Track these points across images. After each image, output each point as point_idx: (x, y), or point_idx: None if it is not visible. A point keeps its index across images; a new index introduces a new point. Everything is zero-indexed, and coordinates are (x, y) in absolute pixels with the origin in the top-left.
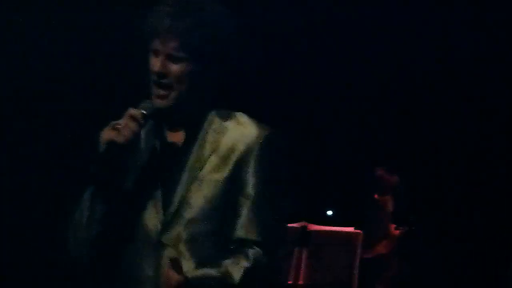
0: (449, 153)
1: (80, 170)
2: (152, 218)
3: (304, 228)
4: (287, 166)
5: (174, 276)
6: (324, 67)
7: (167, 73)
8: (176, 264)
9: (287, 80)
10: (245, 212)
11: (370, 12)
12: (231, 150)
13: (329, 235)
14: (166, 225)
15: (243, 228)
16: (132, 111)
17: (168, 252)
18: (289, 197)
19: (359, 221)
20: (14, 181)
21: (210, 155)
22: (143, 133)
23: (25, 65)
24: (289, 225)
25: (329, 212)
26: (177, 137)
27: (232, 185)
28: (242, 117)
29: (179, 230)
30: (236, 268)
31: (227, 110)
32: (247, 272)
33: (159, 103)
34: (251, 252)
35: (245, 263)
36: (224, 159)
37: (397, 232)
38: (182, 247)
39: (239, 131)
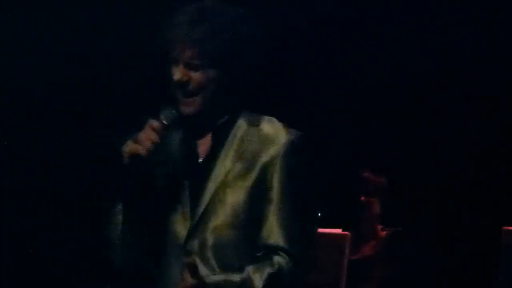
0: (436, 154)
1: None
2: (180, 225)
3: None
4: (313, 171)
5: (189, 280)
6: (308, 67)
7: (188, 81)
8: (192, 268)
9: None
10: (270, 218)
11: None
12: (256, 156)
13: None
14: (192, 232)
15: (268, 234)
16: (153, 122)
17: (189, 258)
18: (317, 202)
19: (347, 222)
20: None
21: (236, 162)
22: (171, 140)
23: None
24: None
25: None
26: (204, 143)
27: (258, 191)
28: (270, 122)
29: (204, 237)
30: (258, 274)
31: (256, 114)
32: (270, 278)
33: (185, 110)
34: (276, 258)
35: (269, 269)
36: (249, 165)
37: (384, 233)
38: (208, 254)
39: (265, 137)
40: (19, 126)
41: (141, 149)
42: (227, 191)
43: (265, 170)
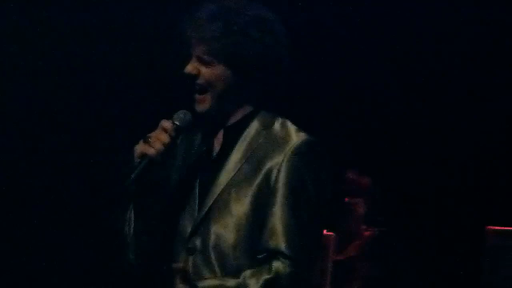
0: (420, 155)
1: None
2: (187, 223)
3: None
4: (320, 175)
5: (180, 286)
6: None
7: (197, 75)
8: (182, 274)
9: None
10: (272, 221)
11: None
12: (264, 159)
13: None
14: (195, 230)
15: (270, 237)
16: (164, 123)
17: (179, 264)
18: (323, 206)
19: (331, 223)
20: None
21: (243, 163)
22: (183, 139)
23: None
24: None
25: None
26: (216, 142)
27: (262, 193)
28: (283, 124)
29: (206, 236)
30: (254, 280)
31: (272, 115)
32: (266, 284)
33: (197, 108)
34: (274, 263)
35: (265, 275)
36: (257, 167)
37: (368, 233)
38: (209, 253)
39: (274, 140)
40: (28, 127)
41: (150, 150)
42: (233, 191)
43: (270, 173)
